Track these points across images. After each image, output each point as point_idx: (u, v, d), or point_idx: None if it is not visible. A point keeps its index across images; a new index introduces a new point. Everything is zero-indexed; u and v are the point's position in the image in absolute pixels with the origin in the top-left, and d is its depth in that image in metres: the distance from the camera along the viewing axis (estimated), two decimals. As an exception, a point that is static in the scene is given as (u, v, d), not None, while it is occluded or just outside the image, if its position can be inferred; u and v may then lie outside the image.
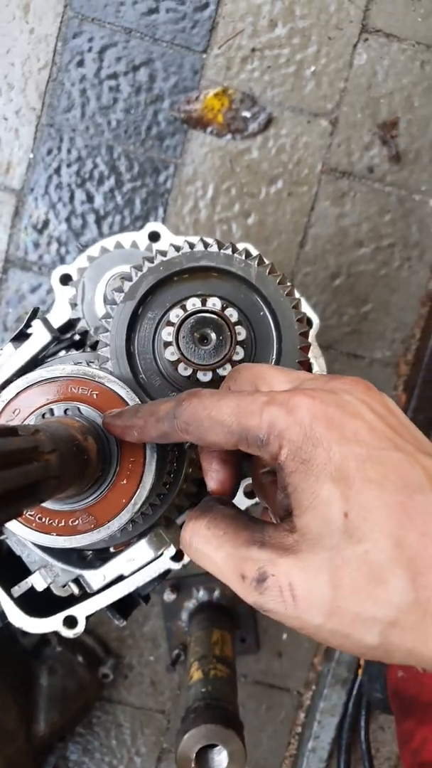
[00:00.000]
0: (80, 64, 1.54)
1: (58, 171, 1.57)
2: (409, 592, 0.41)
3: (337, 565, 0.43)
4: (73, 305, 0.83)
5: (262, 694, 1.74)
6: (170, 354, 0.64)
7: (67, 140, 1.56)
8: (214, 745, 1.12)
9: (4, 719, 1.34)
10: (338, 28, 1.57)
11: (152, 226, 0.92)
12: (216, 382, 0.65)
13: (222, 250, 0.69)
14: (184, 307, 0.65)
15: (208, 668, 1.35)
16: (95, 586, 0.77)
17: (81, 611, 0.83)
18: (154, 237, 0.92)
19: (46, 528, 0.59)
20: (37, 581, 0.78)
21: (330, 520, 0.43)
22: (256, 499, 0.89)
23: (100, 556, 0.79)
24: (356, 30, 1.57)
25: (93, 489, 0.59)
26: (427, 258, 1.64)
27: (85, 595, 0.82)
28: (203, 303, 0.65)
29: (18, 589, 0.79)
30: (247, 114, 1.56)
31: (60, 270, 0.90)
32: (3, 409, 0.60)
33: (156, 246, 0.91)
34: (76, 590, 0.79)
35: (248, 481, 0.87)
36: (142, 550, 0.74)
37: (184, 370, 0.64)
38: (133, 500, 0.60)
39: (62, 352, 0.84)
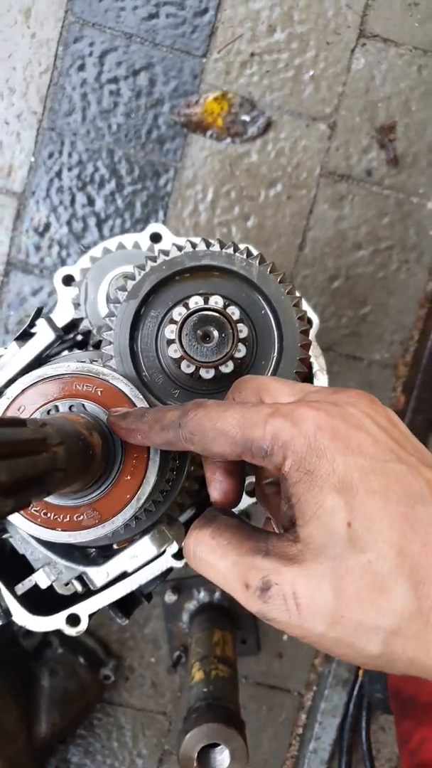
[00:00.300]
0: (81, 68, 1.55)
1: (59, 174, 1.58)
2: (412, 601, 0.42)
3: (340, 575, 0.43)
4: (76, 305, 0.84)
5: (263, 696, 1.75)
6: (173, 351, 0.65)
7: (68, 144, 1.57)
8: (216, 744, 1.12)
9: (5, 720, 1.34)
10: (336, 33, 1.59)
11: (154, 227, 0.93)
12: (218, 379, 0.66)
13: (224, 250, 0.70)
14: (186, 305, 0.66)
15: (210, 668, 1.35)
16: (98, 583, 0.78)
17: (84, 609, 0.83)
18: (155, 238, 0.93)
19: (51, 523, 0.60)
20: (41, 579, 0.79)
21: (334, 529, 0.44)
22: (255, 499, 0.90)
23: (103, 553, 0.80)
24: (354, 35, 1.59)
25: (97, 485, 0.60)
26: (424, 260, 1.66)
27: (87, 593, 0.83)
28: (206, 301, 0.66)
29: (22, 587, 0.80)
30: (246, 118, 1.58)
31: (62, 271, 0.91)
32: (8, 405, 0.60)
33: (156, 246, 0.92)
34: (79, 588, 0.80)
35: (250, 478, 0.87)
36: (145, 546, 0.74)
37: (186, 368, 0.65)
38: (137, 496, 0.61)
39: (65, 352, 0.85)
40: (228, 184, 1.60)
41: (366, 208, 1.62)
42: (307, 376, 0.88)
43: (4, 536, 0.82)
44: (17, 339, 0.73)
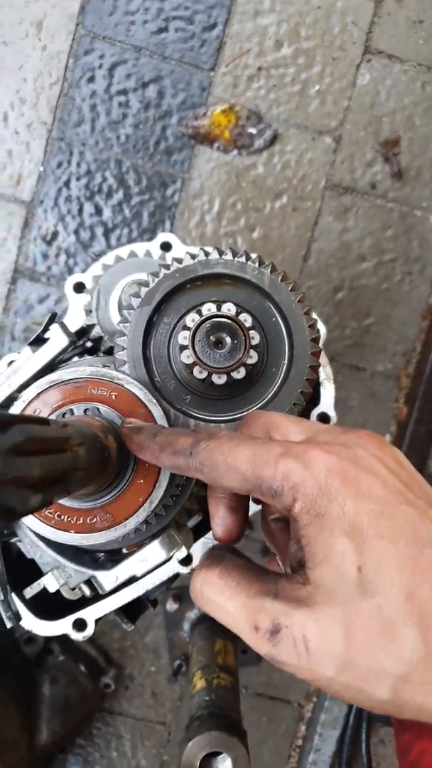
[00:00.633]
0: (91, 80, 1.58)
1: (67, 184, 1.60)
2: (420, 647, 0.42)
3: (350, 619, 0.44)
4: (88, 312, 0.85)
5: (263, 707, 1.74)
6: (186, 357, 0.66)
7: (77, 154, 1.59)
8: (218, 753, 1.12)
9: (7, 728, 1.34)
10: (342, 49, 1.61)
11: (164, 236, 0.95)
12: (230, 385, 0.67)
13: (236, 258, 0.71)
14: (199, 312, 0.67)
15: (212, 677, 1.35)
16: (107, 587, 0.78)
17: (90, 614, 0.84)
18: (165, 247, 0.94)
19: (65, 525, 0.61)
20: (50, 582, 0.79)
21: (344, 573, 0.44)
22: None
23: (112, 557, 0.80)
24: (359, 51, 1.62)
25: (111, 487, 0.60)
26: (428, 273, 1.67)
27: (95, 597, 0.83)
28: (218, 308, 0.67)
29: (30, 590, 0.80)
30: (253, 130, 1.60)
31: (74, 278, 0.92)
32: (24, 408, 0.61)
33: (167, 255, 0.93)
34: (87, 592, 0.80)
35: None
36: (154, 550, 0.75)
37: (199, 373, 0.66)
38: (149, 499, 0.62)
39: (75, 358, 0.86)
40: (234, 196, 1.62)
41: (370, 221, 1.64)
42: (316, 385, 0.90)
43: (13, 540, 0.82)
44: (31, 344, 0.74)
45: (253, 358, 0.67)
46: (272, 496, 0.48)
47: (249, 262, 0.71)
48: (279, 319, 0.71)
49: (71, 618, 0.84)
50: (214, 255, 0.71)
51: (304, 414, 0.84)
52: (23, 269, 1.61)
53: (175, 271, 0.70)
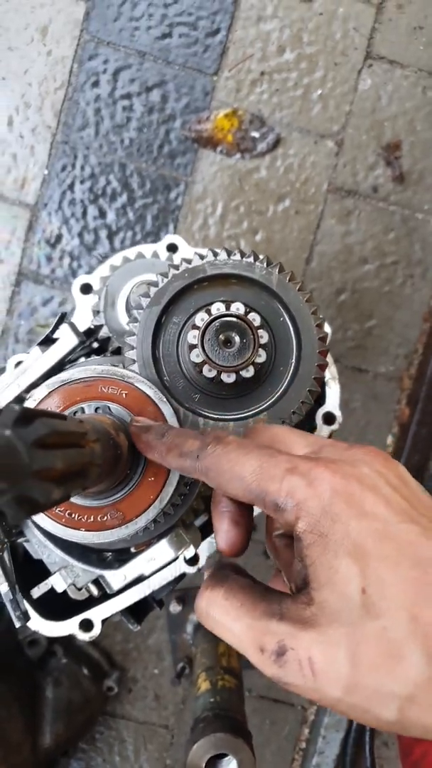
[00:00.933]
0: (95, 84, 1.59)
1: (71, 187, 1.61)
2: (425, 670, 0.42)
3: (356, 641, 0.44)
4: (96, 312, 0.86)
5: (266, 709, 1.74)
6: (195, 356, 0.67)
7: (81, 157, 1.60)
8: (223, 755, 1.12)
9: (11, 730, 1.34)
10: (344, 55, 1.62)
11: (170, 238, 0.95)
12: (238, 384, 0.68)
13: (244, 259, 0.72)
14: (209, 312, 0.68)
15: (216, 679, 1.35)
16: (115, 587, 0.78)
17: (97, 614, 0.84)
18: (172, 248, 0.95)
19: (75, 524, 0.61)
20: (58, 582, 0.80)
21: (349, 596, 0.45)
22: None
23: (120, 557, 0.80)
24: (361, 57, 1.63)
25: (122, 485, 0.61)
26: (429, 275, 1.68)
27: (102, 597, 0.83)
28: (227, 307, 0.68)
29: (38, 590, 0.80)
30: (256, 134, 1.61)
31: (81, 279, 0.93)
32: (35, 407, 0.62)
33: (174, 256, 0.94)
34: (95, 591, 0.80)
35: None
36: (162, 549, 0.75)
37: (208, 372, 0.67)
38: (160, 497, 0.62)
39: (82, 359, 0.87)
40: (237, 199, 1.63)
41: (372, 224, 1.65)
42: (322, 384, 0.90)
43: (21, 540, 0.83)
44: (40, 344, 0.74)
45: (261, 356, 0.68)
46: (275, 510, 0.49)
47: (257, 263, 0.72)
48: (287, 318, 0.71)
49: (78, 618, 0.84)
50: (223, 255, 0.72)
51: (310, 413, 0.84)
52: (27, 272, 1.61)
53: (184, 271, 0.71)
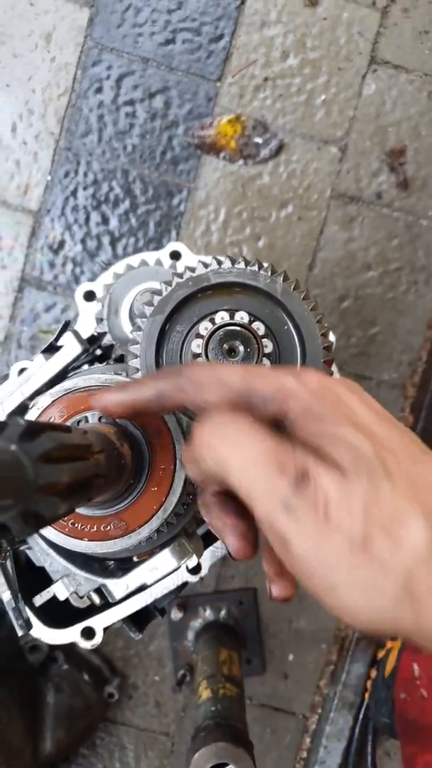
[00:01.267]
0: (98, 91, 1.59)
1: (74, 193, 1.61)
2: (427, 533, 0.40)
3: (371, 498, 0.41)
4: (99, 320, 0.86)
5: (268, 718, 1.73)
6: (199, 365, 0.67)
7: (84, 164, 1.60)
8: (224, 764, 1.11)
9: (12, 736, 1.33)
10: (348, 60, 1.63)
11: (174, 245, 0.95)
12: (243, 394, 0.67)
13: (248, 267, 0.72)
14: (212, 320, 0.68)
15: (217, 687, 1.34)
16: (118, 596, 0.78)
17: (99, 622, 0.83)
18: (175, 256, 0.95)
19: (79, 533, 0.61)
20: (60, 590, 0.79)
21: (364, 454, 0.42)
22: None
23: (122, 566, 0.80)
24: (365, 61, 1.63)
25: (125, 494, 0.60)
26: (433, 282, 1.68)
27: (104, 606, 0.83)
28: (231, 316, 0.67)
29: (40, 598, 0.80)
30: (259, 140, 1.61)
31: (84, 287, 0.93)
32: (39, 416, 0.62)
33: (178, 264, 0.94)
34: (97, 600, 0.80)
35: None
36: (165, 559, 0.75)
37: (212, 381, 0.66)
38: (163, 507, 0.62)
39: (84, 366, 0.87)
40: (240, 205, 1.63)
41: (376, 230, 1.65)
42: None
43: (23, 548, 0.82)
44: (44, 352, 0.74)
45: (266, 366, 0.67)
46: (261, 404, 0.46)
47: (261, 271, 0.71)
48: (291, 327, 0.71)
49: (80, 626, 0.84)
50: (227, 264, 0.71)
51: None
52: (30, 278, 1.61)
53: (187, 279, 0.70)
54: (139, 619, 0.88)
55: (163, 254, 0.93)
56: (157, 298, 0.70)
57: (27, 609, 0.82)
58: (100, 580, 0.78)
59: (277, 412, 0.46)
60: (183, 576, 0.84)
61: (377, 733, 1.71)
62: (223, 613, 1.66)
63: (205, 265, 0.71)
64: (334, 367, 0.95)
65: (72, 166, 1.60)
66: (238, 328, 0.67)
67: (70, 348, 0.72)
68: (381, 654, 1.68)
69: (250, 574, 1.70)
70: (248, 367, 0.49)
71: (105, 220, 1.61)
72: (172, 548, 0.75)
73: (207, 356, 0.67)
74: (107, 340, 0.86)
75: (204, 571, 0.86)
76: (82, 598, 0.82)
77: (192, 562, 0.80)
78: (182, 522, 0.75)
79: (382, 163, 1.64)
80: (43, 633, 0.83)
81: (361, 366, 1.68)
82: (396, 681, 1.52)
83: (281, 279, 0.71)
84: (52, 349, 0.74)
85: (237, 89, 1.61)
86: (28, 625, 0.75)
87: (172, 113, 1.60)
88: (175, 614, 1.66)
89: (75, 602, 0.83)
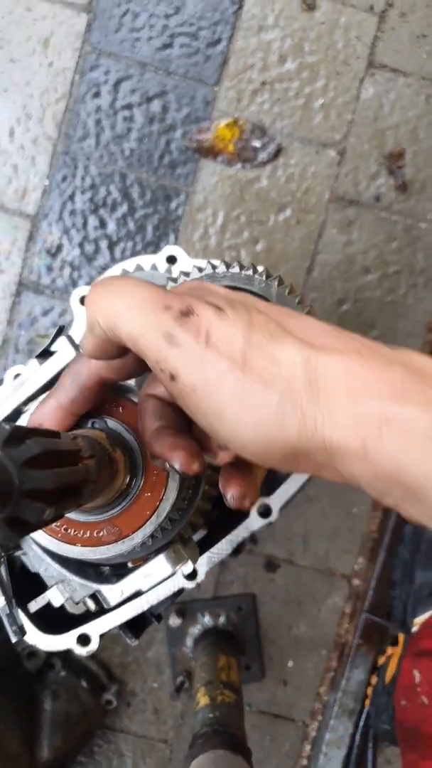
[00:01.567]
0: (96, 95, 1.59)
1: (72, 197, 1.61)
2: (301, 351, 0.41)
3: (247, 324, 0.42)
4: (94, 324, 0.85)
5: (267, 725, 1.72)
6: (194, 370, 0.66)
7: (82, 168, 1.60)
8: (223, 772, 1.10)
9: (8, 742, 1.32)
10: (346, 64, 1.63)
11: (170, 249, 0.95)
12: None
13: (243, 271, 0.71)
14: (207, 325, 0.67)
15: (215, 693, 1.33)
16: (113, 602, 0.78)
17: (94, 629, 0.83)
18: (171, 260, 0.94)
19: (72, 539, 0.60)
20: (54, 596, 0.79)
21: (241, 300, 0.46)
22: (271, 519, 0.89)
23: (117, 572, 0.80)
24: (363, 65, 1.63)
25: (118, 500, 0.60)
26: (432, 285, 1.67)
27: (99, 612, 0.82)
28: (226, 320, 0.67)
29: (35, 604, 0.79)
30: (257, 144, 1.61)
31: (80, 291, 0.92)
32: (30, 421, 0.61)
33: (173, 268, 0.93)
34: (92, 606, 0.79)
35: (264, 499, 0.87)
36: (160, 565, 0.74)
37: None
38: (156, 512, 0.61)
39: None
40: (238, 209, 1.63)
41: (374, 233, 1.64)
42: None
43: (18, 553, 0.82)
44: (38, 357, 0.74)
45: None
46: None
47: (256, 276, 0.71)
48: (287, 331, 0.71)
49: (75, 633, 0.83)
50: (222, 268, 0.71)
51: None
52: (27, 282, 1.61)
53: (182, 284, 0.70)
54: (136, 626, 0.88)
55: (159, 258, 0.93)
56: (151, 302, 0.70)
57: (22, 615, 0.81)
58: (95, 586, 0.78)
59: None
60: (179, 582, 0.84)
61: (378, 741, 1.70)
62: (221, 619, 1.66)
63: (200, 270, 0.71)
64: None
65: (70, 170, 1.60)
66: (232, 331, 0.67)
67: (64, 353, 0.71)
68: (381, 660, 1.67)
69: (249, 579, 1.69)
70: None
71: (103, 224, 1.61)
72: (167, 554, 0.74)
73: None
74: (102, 344, 0.85)
75: (200, 578, 0.86)
76: (77, 604, 0.82)
77: (188, 568, 0.79)
78: (177, 527, 0.74)
79: (380, 166, 1.64)
80: (39, 639, 0.83)
81: (359, 370, 1.67)
82: (396, 688, 1.51)
83: (276, 283, 0.70)
84: (46, 353, 0.74)
85: (235, 93, 1.61)
86: (22, 632, 0.74)
87: (169, 117, 1.60)
88: (174, 620, 1.66)
89: (70, 608, 0.82)
